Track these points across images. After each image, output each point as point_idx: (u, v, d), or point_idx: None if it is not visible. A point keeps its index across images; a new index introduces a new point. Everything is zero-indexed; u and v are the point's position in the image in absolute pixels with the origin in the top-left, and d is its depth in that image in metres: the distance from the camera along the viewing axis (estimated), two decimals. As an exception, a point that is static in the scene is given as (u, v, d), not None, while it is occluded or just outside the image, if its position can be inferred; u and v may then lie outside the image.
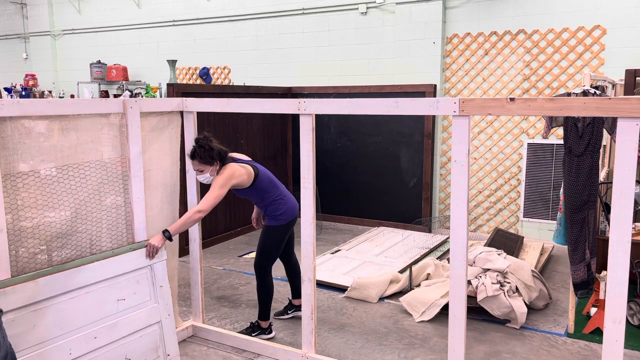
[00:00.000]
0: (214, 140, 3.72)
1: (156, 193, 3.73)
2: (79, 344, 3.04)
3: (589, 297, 4.07)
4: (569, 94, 3.84)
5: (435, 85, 6.75)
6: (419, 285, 4.83)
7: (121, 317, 3.26)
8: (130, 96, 8.18)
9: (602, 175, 4.68)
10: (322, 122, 7.39)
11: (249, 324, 4.17)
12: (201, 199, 3.68)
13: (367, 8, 7.22)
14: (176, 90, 5.82)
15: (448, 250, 5.69)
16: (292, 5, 7.77)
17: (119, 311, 3.26)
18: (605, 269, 3.17)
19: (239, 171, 3.70)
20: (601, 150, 3.74)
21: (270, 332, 4.09)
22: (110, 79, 9.17)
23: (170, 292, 3.76)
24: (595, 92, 3.59)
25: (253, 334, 4.01)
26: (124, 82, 9.08)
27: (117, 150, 3.42)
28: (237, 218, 6.89)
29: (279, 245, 3.98)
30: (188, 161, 3.88)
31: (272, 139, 7.47)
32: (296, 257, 4.26)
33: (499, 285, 4.27)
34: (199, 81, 8.75)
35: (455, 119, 2.82)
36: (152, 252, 3.44)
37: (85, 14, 9.85)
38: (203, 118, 6.10)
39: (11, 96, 8.68)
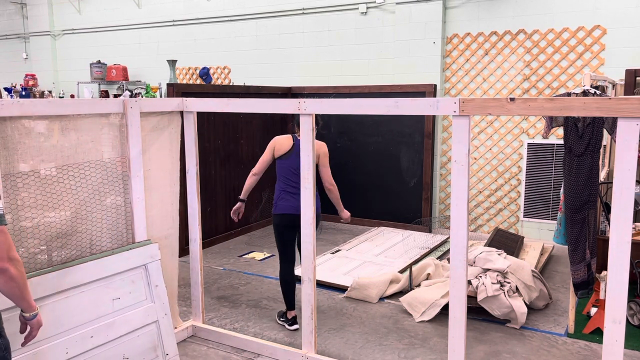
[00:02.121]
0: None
1: (156, 193, 3.73)
2: (75, 343, 3.04)
3: (589, 297, 4.07)
4: (569, 94, 3.84)
5: (435, 85, 6.75)
6: (419, 285, 4.83)
7: (117, 316, 3.26)
8: (130, 96, 8.18)
9: (602, 175, 4.68)
10: (322, 122, 7.38)
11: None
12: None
13: (367, 8, 7.22)
14: (176, 90, 5.82)
15: (448, 250, 5.69)
16: (292, 5, 7.77)
17: (114, 310, 3.26)
18: (605, 269, 3.17)
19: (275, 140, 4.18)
20: (601, 150, 3.74)
21: (293, 324, 4.17)
22: (110, 79, 9.17)
23: (169, 291, 3.76)
24: (595, 92, 3.59)
25: (280, 319, 4.28)
26: (124, 82, 9.08)
27: (117, 150, 3.42)
28: (237, 218, 6.89)
29: (277, 238, 4.21)
30: (189, 161, 3.88)
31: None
32: (292, 267, 4.23)
33: (499, 285, 4.27)
34: (199, 81, 8.75)
35: (455, 119, 2.82)
36: None
37: (85, 14, 9.85)
38: (203, 118, 6.10)
39: (11, 96, 8.69)
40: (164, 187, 3.80)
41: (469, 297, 3.99)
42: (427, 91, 6.74)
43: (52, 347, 2.93)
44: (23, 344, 2.21)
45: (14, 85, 9.53)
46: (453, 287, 2.93)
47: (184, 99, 3.82)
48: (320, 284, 4.99)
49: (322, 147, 4.20)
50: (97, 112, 3.27)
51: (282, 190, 4.16)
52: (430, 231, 6.94)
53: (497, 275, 4.37)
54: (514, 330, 4.15)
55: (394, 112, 3.00)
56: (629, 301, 4.03)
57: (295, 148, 4.08)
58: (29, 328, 2.19)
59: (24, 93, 8.94)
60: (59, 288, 2.98)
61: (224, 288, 5.07)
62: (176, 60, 8.05)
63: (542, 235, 6.46)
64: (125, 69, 9.17)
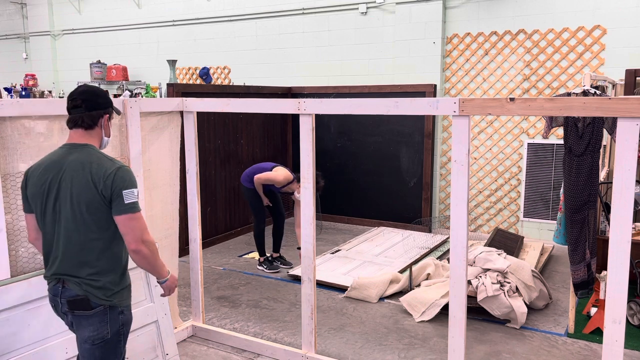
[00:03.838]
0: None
1: (156, 193, 3.73)
2: (75, 342, 3.03)
3: (589, 297, 4.07)
4: (569, 94, 3.84)
5: (435, 85, 6.75)
6: (419, 285, 4.83)
7: (117, 316, 3.26)
8: (130, 96, 8.18)
9: (602, 175, 4.68)
10: (322, 122, 7.39)
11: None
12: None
13: (367, 8, 7.22)
14: (176, 90, 5.82)
15: (448, 250, 5.69)
16: (292, 5, 7.77)
17: (114, 310, 3.25)
18: (605, 269, 3.17)
19: None
20: (601, 150, 3.74)
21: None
22: (110, 79, 9.16)
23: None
24: (595, 92, 3.59)
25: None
26: (124, 82, 9.08)
27: (117, 150, 3.42)
28: (237, 218, 6.90)
29: None
30: (188, 161, 3.88)
31: (272, 139, 7.47)
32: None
33: (499, 285, 4.27)
34: (199, 81, 8.75)
35: (455, 119, 2.82)
36: None
37: (85, 14, 9.86)
38: (203, 118, 6.10)
39: (11, 96, 8.68)
40: (164, 187, 3.80)
41: (469, 297, 3.99)
42: (427, 91, 6.74)
43: (52, 347, 2.93)
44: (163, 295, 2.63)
45: (14, 85, 9.53)
46: (453, 287, 2.93)
47: (184, 99, 3.82)
48: (320, 284, 4.99)
49: (278, 177, 5.40)
50: (97, 112, 3.26)
51: None
52: (430, 231, 6.94)
53: (497, 275, 4.37)
54: (514, 330, 4.15)
55: (394, 112, 3.00)
56: (629, 301, 4.03)
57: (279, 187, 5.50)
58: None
59: (23, 93, 8.93)
60: (58, 288, 2.98)
61: (224, 288, 5.07)
62: (176, 60, 8.05)
63: (542, 235, 6.46)
64: (125, 69, 9.17)
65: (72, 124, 2.39)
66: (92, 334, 2.34)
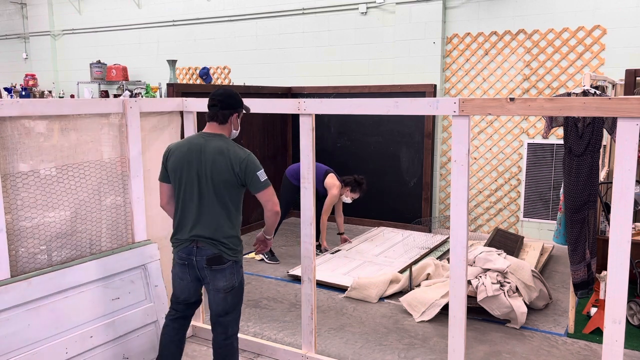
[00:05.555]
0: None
1: (156, 193, 3.72)
2: (75, 343, 3.04)
3: (589, 297, 4.07)
4: (569, 94, 3.84)
5: (435, 85, 6.75)
6: (419, 285, 4.83)
7: (117, 316, 3.27)
8: (130, 96, 8.18)
9: (602, 175, 4.67)
10: (322, 122, 7.39)
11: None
12: None
13: (367, 8, 7.22)
14: (176, 90, 5.81)
15: (448, 250, 5.68)
16: (292, 5, 7.77)
17: (114, 310, 3.26)
18: (605, 269, 3.16)
19: None
20: (601, 150, 3.74)
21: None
22: (110, 79, 9.16)
23: (169, 292, 3.76)
24: (595, 92, 3.59)
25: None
26: (124, 82, 9.08)
27: (117, 150, 3.42)
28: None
29: None
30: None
31: (272, 139, 7.46)
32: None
33: (499, 285, 4.27)
34: (199, 81, 8.75)
35: (455, 119, 2.82)
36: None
37: (85, 14, 9.86)
38: (203, 118, 6.08)
39: (11, 96, 8.68)
40: (164, 187, 3.79)
41: (469, 297, 3.98)
42: (427, 91, 6.74)
43: (52, 346, 2.93)
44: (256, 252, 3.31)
45: (14, 85, 9.53)
46: (453, 287, 2.93)
47: (184, 99, 3.82)
48: (320, 284, 4.98)
49: (336, 189, 5.84)
50: (97, 112, 3.27)
51: None
52: (430, 231, 6.93)
53: (497, 275, 4.37)
54: (514, 330, 4.14)
55: (394, 112, 3.00)
56: (629, 301, 4.03)
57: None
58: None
59: (24, 93, 8.94)
60: (58, 288, 2.99)
61: (224, 288, 5.06)
62: (176, 60, 8.05)
63: (542, 235, 6.46)
64: (125, 69, 9.17)
65: (209, 117, 2.98)
66: (225, 283, 2.90)
